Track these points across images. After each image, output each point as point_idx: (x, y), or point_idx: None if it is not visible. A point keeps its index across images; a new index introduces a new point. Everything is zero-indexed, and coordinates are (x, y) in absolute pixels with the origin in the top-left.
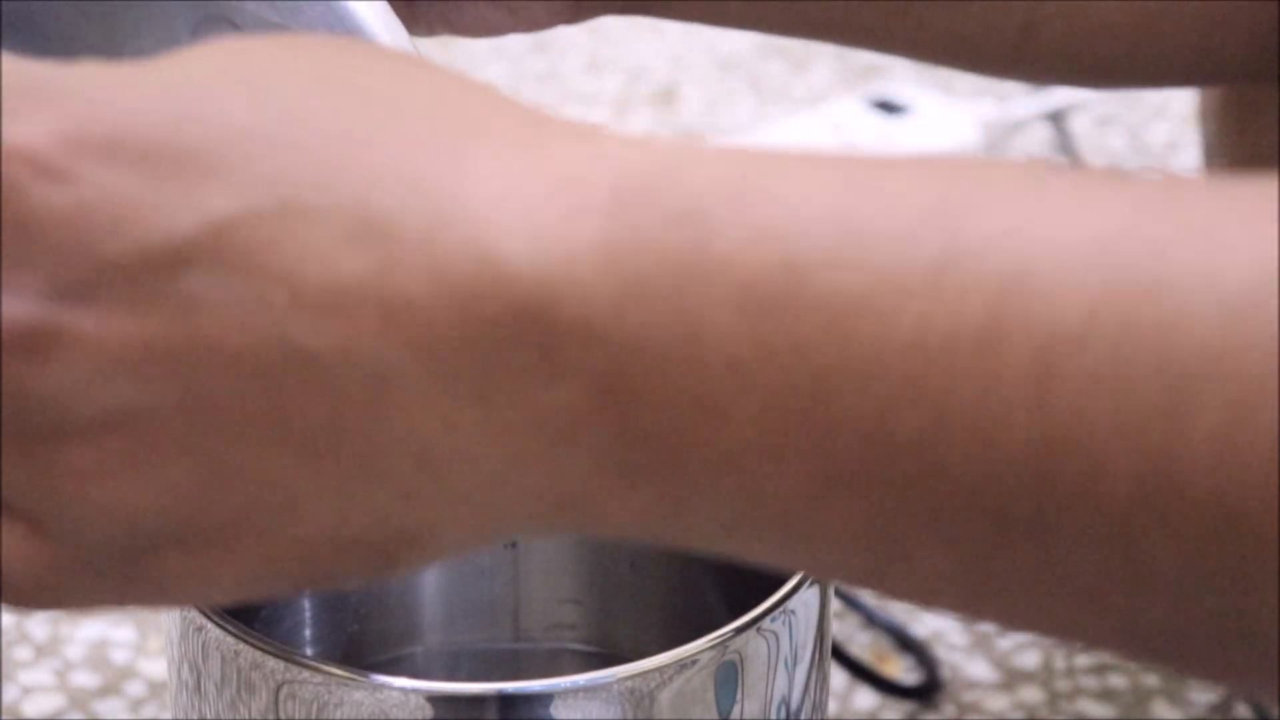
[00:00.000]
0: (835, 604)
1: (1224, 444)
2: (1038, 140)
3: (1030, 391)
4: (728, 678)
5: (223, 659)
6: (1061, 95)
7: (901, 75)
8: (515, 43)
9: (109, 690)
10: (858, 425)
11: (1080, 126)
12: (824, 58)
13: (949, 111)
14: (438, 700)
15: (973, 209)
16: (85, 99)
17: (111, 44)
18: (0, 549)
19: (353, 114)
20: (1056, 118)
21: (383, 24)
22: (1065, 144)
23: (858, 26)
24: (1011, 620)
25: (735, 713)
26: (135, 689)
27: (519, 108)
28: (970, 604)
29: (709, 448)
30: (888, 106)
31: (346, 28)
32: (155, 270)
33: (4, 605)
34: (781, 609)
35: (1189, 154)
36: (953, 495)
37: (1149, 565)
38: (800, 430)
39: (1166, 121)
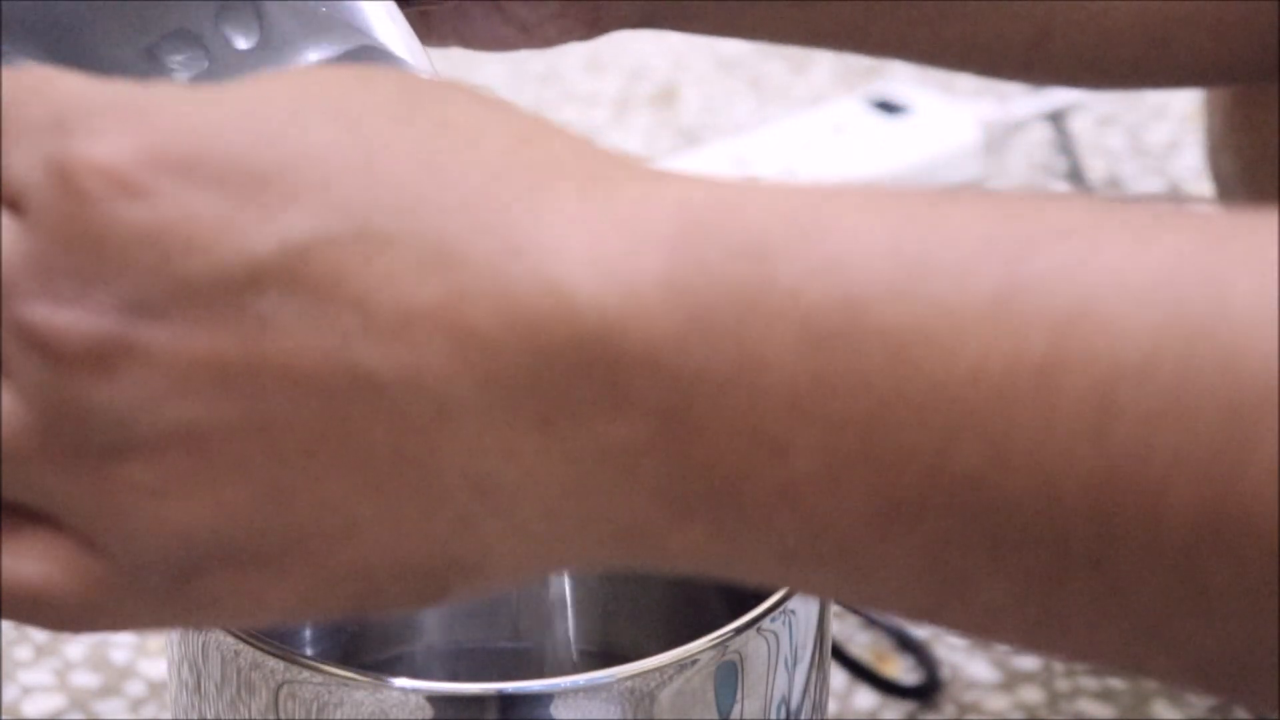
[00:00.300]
0: (835, 604)
1: None
2: (1038, 140)
3: (1091, 424)
4: (728, 678)
5: (223, 659)
6: (1061, 95)
7: (901, 75)
8: None
9: (109, 690)
10: (917, 458)
11: (1080, 126)
12: (824, 58)
13: (949, 111)
14: (438, 700)
15: (1032, 242)
16: (166, 118)
17: (123, 39)
18: (43, 566)
19: (430, 144)
20: (1056, 118)
21: (393, 25)
22: (1065, 144)
23: (870, 35)
24: (1072, 652)
25: (735, 713)
26: (135, 689)
27: (592, 148)
28: (1031, 636)
29: (769, 480)
30: (888, 106)
31: (358, 26)
32: (229, 290)
33: (44, 628)
34: (781, 609)
35: (1189, 154)
36: (1013, 527)
37: (1211, 596)
38: (859, 462)
39: (1166, 121)
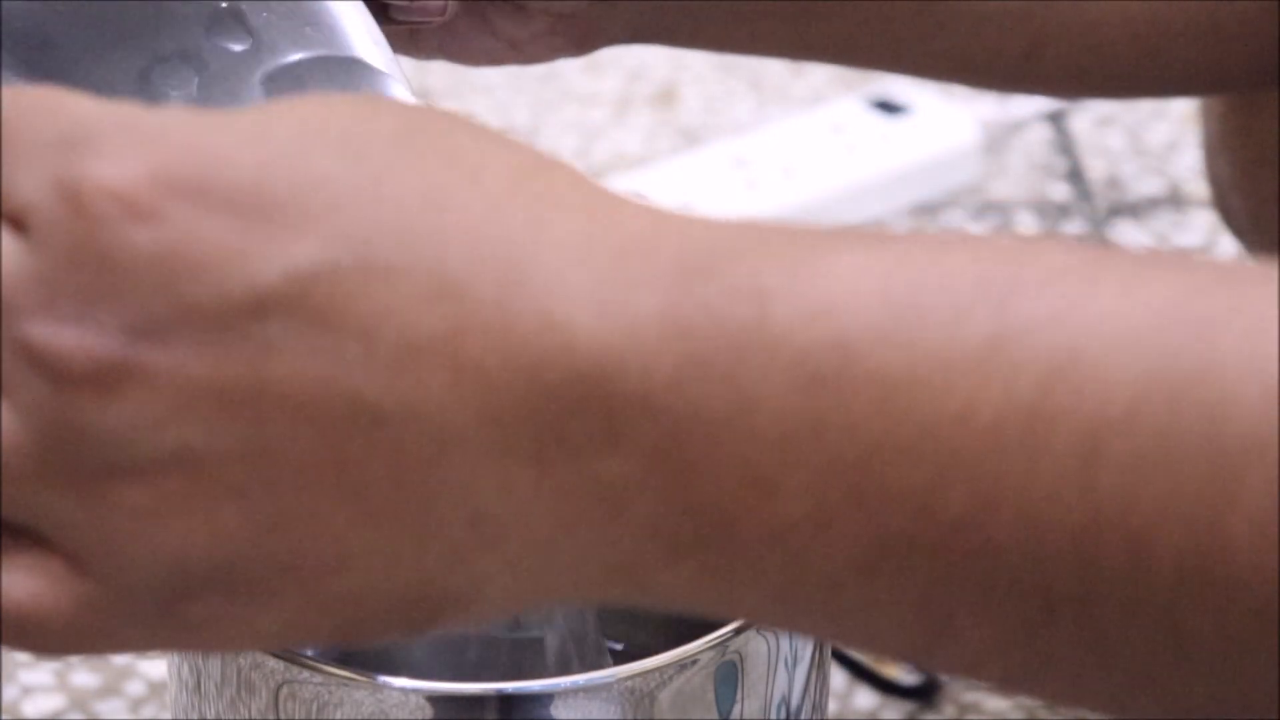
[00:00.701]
0: None
1: (1269, 524)
2: (1038, 140)
3: (1078, 471)
4: (728, 678)
5: (223, 659)
6: None
7: (901, 75)
8: None
9: (109, 690)
10: (906, 500)
11: (1080, 126)
12: None
13: (949, 111)
14: (438, 700)
15: (1023, 288)
16: (175, 141)
17: (118, 50)
18: (31, 587)
19: (436, 176)
20: (1056, 118)
21: (361, 25)
22: (1065, 144)
23: (862, 49)
24: (1058, 696)
25: (735, 713)
26: (135, 689)
27: (593, 185)
28: (1017, 681)
29: (759, 520)
30: (888, 106)
31: (325, 25)
32: (233, 317)
33: (31, 650)
34: None
35: (1189, 154)
36: (999, 572)
37: (1194, 644)
38: (849, 505)
39: (1166, 121)
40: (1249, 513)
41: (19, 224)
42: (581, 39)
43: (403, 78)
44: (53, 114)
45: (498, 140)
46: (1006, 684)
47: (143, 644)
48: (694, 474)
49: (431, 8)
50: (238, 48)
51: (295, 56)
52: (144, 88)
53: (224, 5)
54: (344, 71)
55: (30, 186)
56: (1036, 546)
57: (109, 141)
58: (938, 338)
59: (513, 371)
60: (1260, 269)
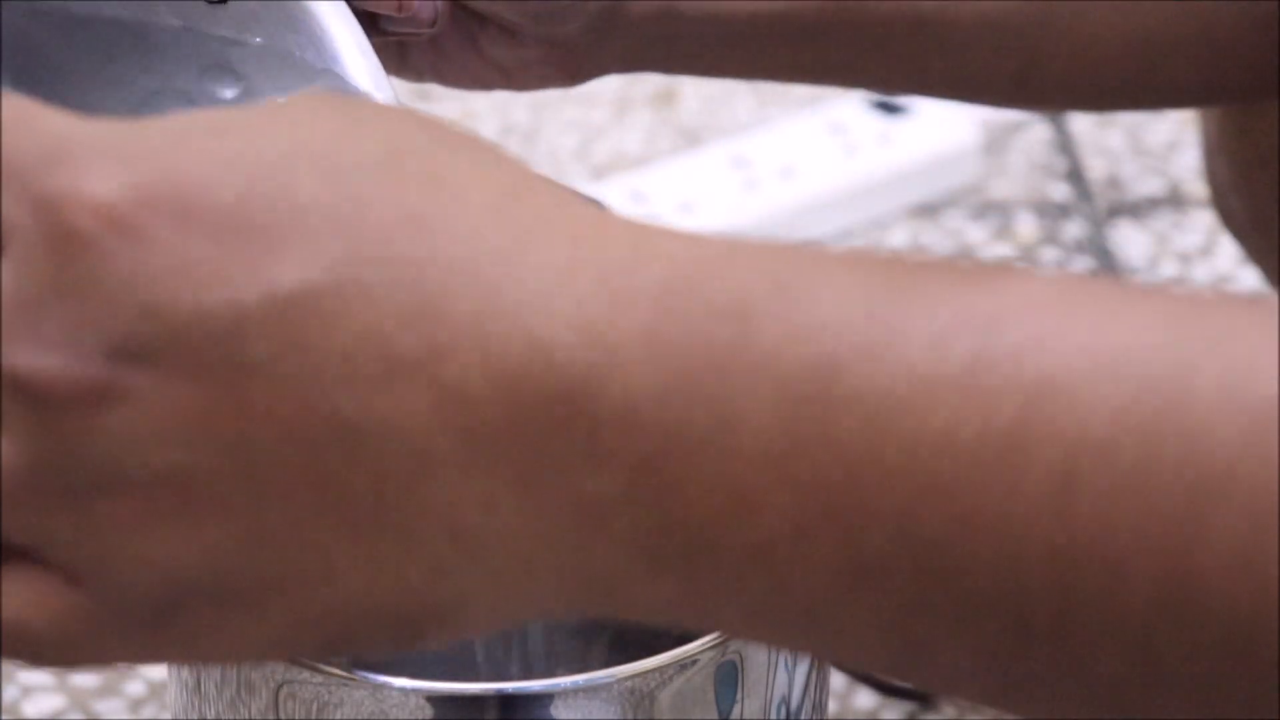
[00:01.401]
0: None
1: (1241, 555)
2: (1038, 140)
3: (1054, 496)
4: (728, 678)
5: None
6: None
7: None
8: None
9: (109, 690)
10: (885, 520)
11: (1080, 126)
12: None
13: (949, 111)
14: (438, 700)
15: (1007, 313)
16: (158, 158)
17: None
18: (26, 600)
19: (417, 198)
20: (1056, 118)
21: (350, 38)
22: (1065, 144)
23: (857, 72)
24: (1036, 715)
25: (735, 713)
26: (135, 689)
27: (578, 205)
28: (993, 699)
29: (740, 538)
30: (888, 106)
31: (314, 36)
32: (216, 337)
33: (25, 662)
34: None
35: (1189, 154)
36: (975, 594)
37: (1167, 670)
38: (829, 523)
39: (1166, 121)
40: (1220, 542)
41: None
42: (574, 69)
43: (392, 94)
44: (31, 129)
45: (481, 157)
46: (985, 702)
47: (137, 655)
48: (676, 491)
49: (421, 19)
50: (229, 94)
51: (282, 94)
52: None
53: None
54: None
55: (8, 204)
56: (1012, 570)
57: (90, 159)
58: (921, 359)
59: (494, 390)
60: (1242, 301)
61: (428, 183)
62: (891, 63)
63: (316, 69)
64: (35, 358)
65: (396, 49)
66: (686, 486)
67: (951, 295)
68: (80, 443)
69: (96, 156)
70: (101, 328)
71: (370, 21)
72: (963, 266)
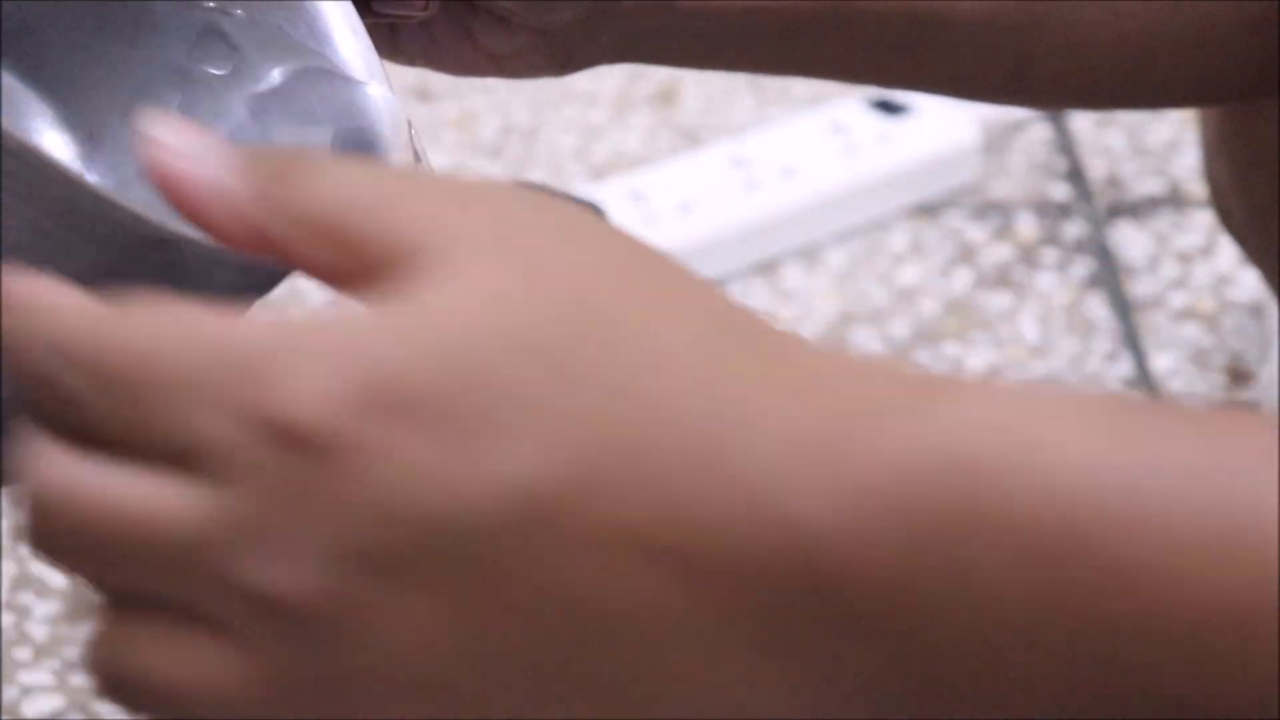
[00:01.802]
0: None
1: None
2: (1038, 140)
3: None
4: None
5: None
6: None
7: None
8: None
9: None
10: (1129, 675)
11: (1080, 126)
12: None
13: (949, 111)
14: None
15: (1250, 476)
16: (359, 360)
17: (110, 48)
18: None
19: (622, 363)
20: (1056, 117)
21: (343, 19)
22: (1065, 144)
23: (850, 66)
24: None
25: None
26: None
27: (783, 341)
28: None
29: (978, 689)
30: (888, 106)
31: (312, 26)
32: (460, 541)
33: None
34: None
35: (1189, 154)
36: None
37: None
38: (1074, 681)
39: (1166, 121)
40: None
41: (195, 467)
42: (566, 58)
43: (384, 76)
44: (209, 345)
45: (669, 298)
46: None
47: None
48: (925, 655)
49: (414, 1)
50: (220, 71)
51: (277, 71)
52: (132, 98)
53: (210, 5)
54: (326, 83)
55: (208, 426)
56: None
57: (288, 367)
58: (1176, 529)
59: (742, 567)
60: None
61: (628, 342)
62: (886, 58)
63: (308, 46)
64: (273, 574)
65: (388, 32)
66: (931, 644)
67: (1187, 452)
68: (328, 657)
69: (293, 363)
70: (340, 540)
71: (363, 2)
72: (1184, 413)
